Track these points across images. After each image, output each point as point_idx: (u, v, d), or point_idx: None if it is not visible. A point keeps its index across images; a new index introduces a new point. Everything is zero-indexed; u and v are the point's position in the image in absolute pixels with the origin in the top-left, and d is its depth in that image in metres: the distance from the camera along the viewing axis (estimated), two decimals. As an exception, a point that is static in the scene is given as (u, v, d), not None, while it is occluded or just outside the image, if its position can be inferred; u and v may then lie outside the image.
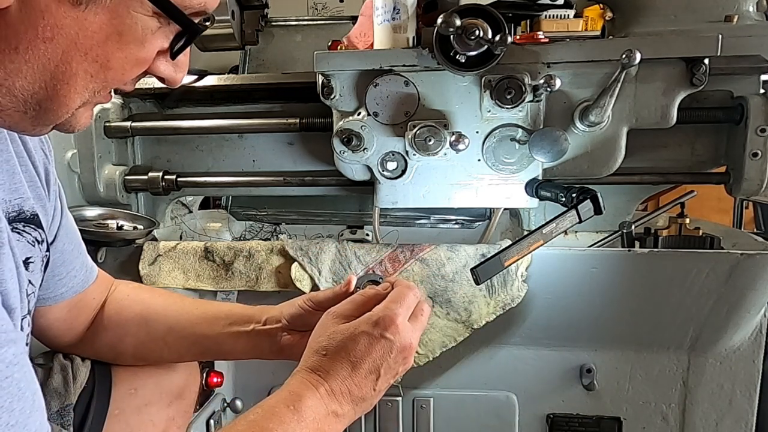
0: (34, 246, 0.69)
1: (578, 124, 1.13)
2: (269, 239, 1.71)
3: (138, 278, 1.28)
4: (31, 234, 0.69)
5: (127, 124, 1.38)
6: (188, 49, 0.61)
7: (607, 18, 1.26)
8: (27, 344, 0.71)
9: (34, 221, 0.70)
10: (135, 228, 1.35)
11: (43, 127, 0.58)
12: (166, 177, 1.39)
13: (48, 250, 0.74)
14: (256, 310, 0.92)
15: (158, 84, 1.34)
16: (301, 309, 0.87)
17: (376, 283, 0.86)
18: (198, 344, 0.91)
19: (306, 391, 0.68)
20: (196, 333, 0.91)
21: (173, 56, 0.59)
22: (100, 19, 0.51)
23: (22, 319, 0.65)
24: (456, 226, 1.69)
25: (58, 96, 0.54)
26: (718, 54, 1.06)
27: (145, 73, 0.59)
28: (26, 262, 0.67)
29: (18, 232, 0.66)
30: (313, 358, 0.72)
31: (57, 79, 0.53)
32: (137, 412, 0.92)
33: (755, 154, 1.14)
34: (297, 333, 0.88)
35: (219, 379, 1.32)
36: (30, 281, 0.68)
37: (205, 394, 1.35)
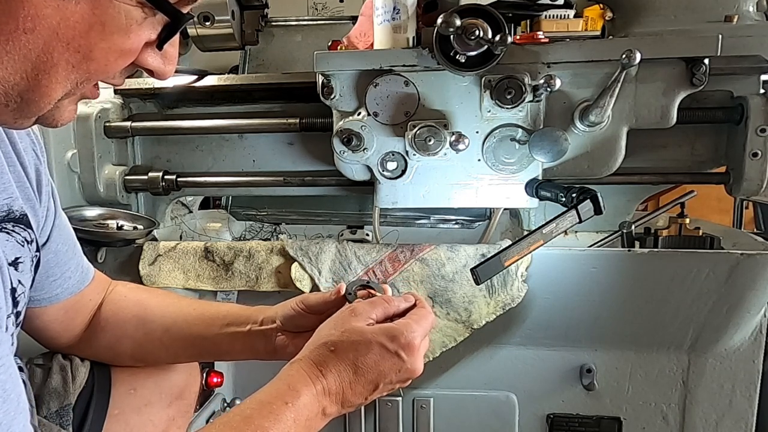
0: (23, 246, 0.69)
1: (578, 124, 1.13)
2: (269, 239, 1.71)
3: (138, 278, 1.28)
4: (20, 234, 0.68)
5: (127, 124, 1.38)
6: (177, 41, 0.60)
7: (607, 18, 1.26)
8: (12, 344, 0.71)
9: (23, 221, 0.69)
10: (135, 228, 1.35)
11: (25, 120, 0.56)
12: (166, 177, 1.39)
13: (38, 250, 0.74)
14: (254, 310, 0.92)
15: (158, 84, 1.35)
16: (293, 311, 0.87)
17: (370, 287, 0.87)
18: (195, 345, 0.91)
19: (304, 387, 0.67)
20: (194, 334, 0.91)
21: (159, 46, 0.57)
22: (81, 9, 0.50)
23: (7, 318, 0.64)
24: (456, 226, 1.69)
25: (39, 87, 0.52)
26: (718, 54, 1.06)
27: (134, 66, 0.58)
28: (15, 263, 0.67)
29: (7, 233, 0.66)
30: (319, 350, 0.71)
31: (38, 69, 0.51)
32: (137, 413, 0.92)
33: (755, 154, 1.14)
34: (290, 334, 0.88)
35: (219, 379, 1.32)
36: (20, 281, 0.68)
37: (205, 394, 1.35)
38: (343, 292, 0.85)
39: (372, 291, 0.86)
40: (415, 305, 0.80)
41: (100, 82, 0.59)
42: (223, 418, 0.65)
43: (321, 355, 0.70)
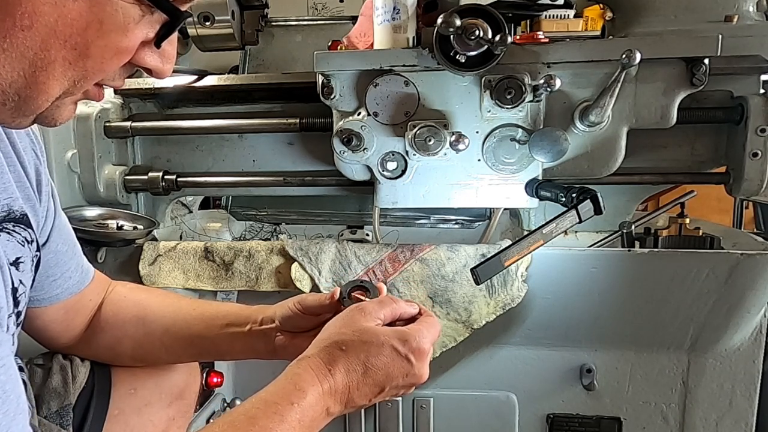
0: (23, 246, 0.69)
1: (578, 124, 1.13)
2: (269, 239, 1.71)
3: (138, 278, 1.28)
4: (20, 234, 0.68)
5: (127, 124, 1.38)
6: (175, 39, 0.60)
7: (607, 18, 1.26)
8: (13, 344, 0.71)
9: (23, 221, 0.69)
10: (135, 228, 1.35)
11: (23, 119, 0.56)
12: (166, 177, 1.39)
13: (38, 250, 0.74)
14: (253, 310, 0.92)
15: (158, 84, 1.35)
16: (290, 311, 0.87)
17: (363, 288, 0.86)
18: (195, 345, 0.91)
19: (310, 386, 0.66)
20: (194, 334, 0.91)
21: (158, 45, 0.57)
22: (79, 6, 0.50)
23: (8, 318, 0.64)
24: (456, 226, 1.69)
25: (37, 84, 0.52)
26: (718, 54, 1.06)
27: (133, 66, 0.58)
28: (16, 262, 0.67)
29: (8, 232, 0.66)
30: (330, 349, 0.70)
31: (36, 67, 0.51)
32: (137, 413, 0.92)
33: (755, 154, 1.14)
34: (289, 334, 0.88)
35: (219, 379, 1.32)
36: (21, 281, 0.68)
37: (205, 394, 1.35)
38: (337, 296, 0.85)
39: (363, 294, 0.86)
40: (420, 312, 0.80)
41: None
42: (227, 416, 0.65)
43: (331, 354, 0.70)
